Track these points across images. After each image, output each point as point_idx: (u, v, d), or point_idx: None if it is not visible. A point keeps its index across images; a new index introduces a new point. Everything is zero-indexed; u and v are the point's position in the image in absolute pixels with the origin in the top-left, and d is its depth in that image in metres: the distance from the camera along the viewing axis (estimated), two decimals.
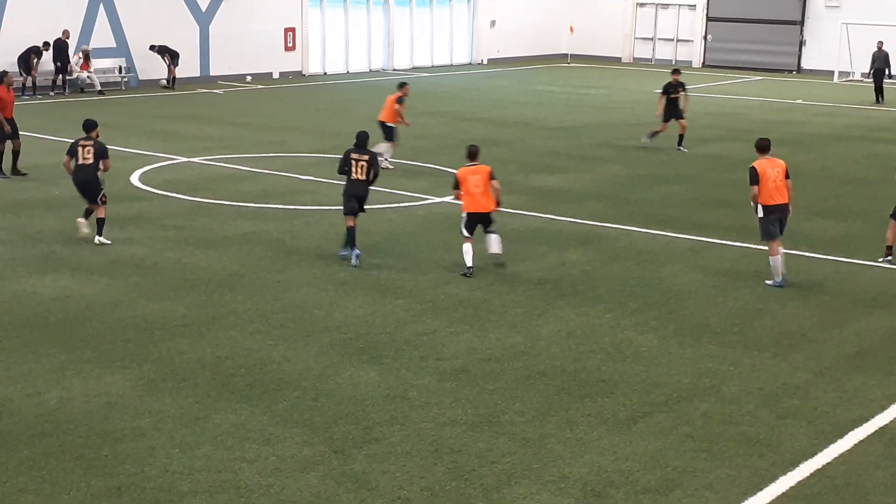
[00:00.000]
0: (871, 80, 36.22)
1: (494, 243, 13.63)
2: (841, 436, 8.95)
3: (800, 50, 44.64)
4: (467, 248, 13.53)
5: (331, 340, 11.08)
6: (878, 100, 34.86)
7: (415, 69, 43.56)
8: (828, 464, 8.45)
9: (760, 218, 13.23)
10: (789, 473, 8.27)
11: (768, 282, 13.29)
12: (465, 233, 13.62)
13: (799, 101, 34.21)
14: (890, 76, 36.69)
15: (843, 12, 42.46)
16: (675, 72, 24.78)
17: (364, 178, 14.13)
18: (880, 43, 36.37)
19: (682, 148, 23.87)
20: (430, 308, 12.23)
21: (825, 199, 18.71)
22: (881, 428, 9.14)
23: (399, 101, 20.89)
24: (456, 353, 10.78)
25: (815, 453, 8.62)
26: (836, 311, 12.36)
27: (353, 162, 14.13)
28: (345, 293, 12.71)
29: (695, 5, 46.68)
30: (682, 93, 23.84)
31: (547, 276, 13.64)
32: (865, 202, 18.54)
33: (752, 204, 13.35)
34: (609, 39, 48.60)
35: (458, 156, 22.43)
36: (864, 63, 40.95)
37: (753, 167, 13.17)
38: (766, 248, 13.38)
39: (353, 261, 13.82)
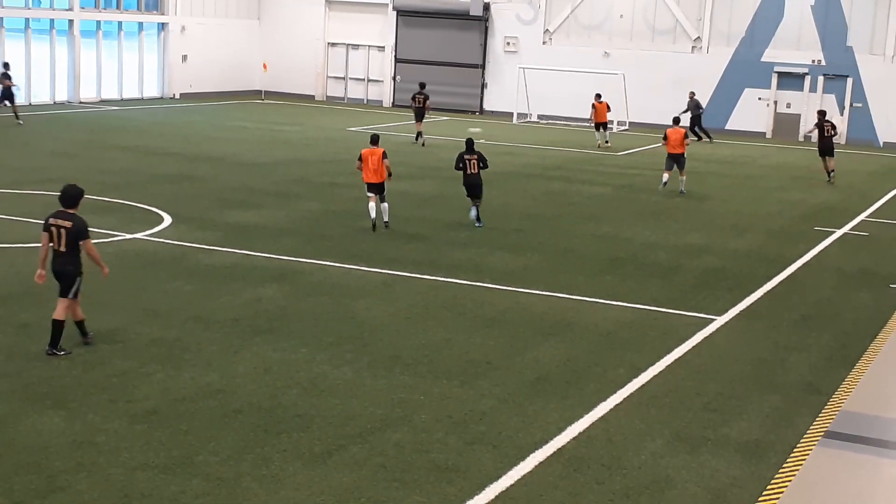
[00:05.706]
0: (691, 125, 38.81)
1: (384, 211, 18.98)
2: (523, 458, 9.48)
3: (482, 92, 46.96)
4: (371, 206, 18.93)
5: (10, 386, 10.48)
6: (709, 139, 38.96)
7: (103, 102, 42.05)
8: (511, 486, 8.92)
9: None
10: (476, 497, 8.66)
11: None
12: (369, 194, 18.94)
13: (482, 140, 35.95)
14: (701, 119, 39.47)
15: (521, 57, 45.12)
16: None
17: (476, 171, 19.60)
18: (692, 93, 39.80)
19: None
20: (121, 349, 11.85)
21: (506, 234, 19.75)
22: (559, 449, 9.75)
23: None
24: (148, 395, 10.51)
25: (500, 476, 9.08)
26: (518, 340, 13.10)
27: (466, 161, 19.49)
28: (26, 336, 12.07)
29: (384, 47, 48.05)
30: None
31: (242, 312, 13.57)
32: (542, 236, 19.75)
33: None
34: (302, 77, 49.04)
35: (150, 191, 22.03)
36: (540, 105, 43.68)
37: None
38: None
39: (478, 222, 19.79)
